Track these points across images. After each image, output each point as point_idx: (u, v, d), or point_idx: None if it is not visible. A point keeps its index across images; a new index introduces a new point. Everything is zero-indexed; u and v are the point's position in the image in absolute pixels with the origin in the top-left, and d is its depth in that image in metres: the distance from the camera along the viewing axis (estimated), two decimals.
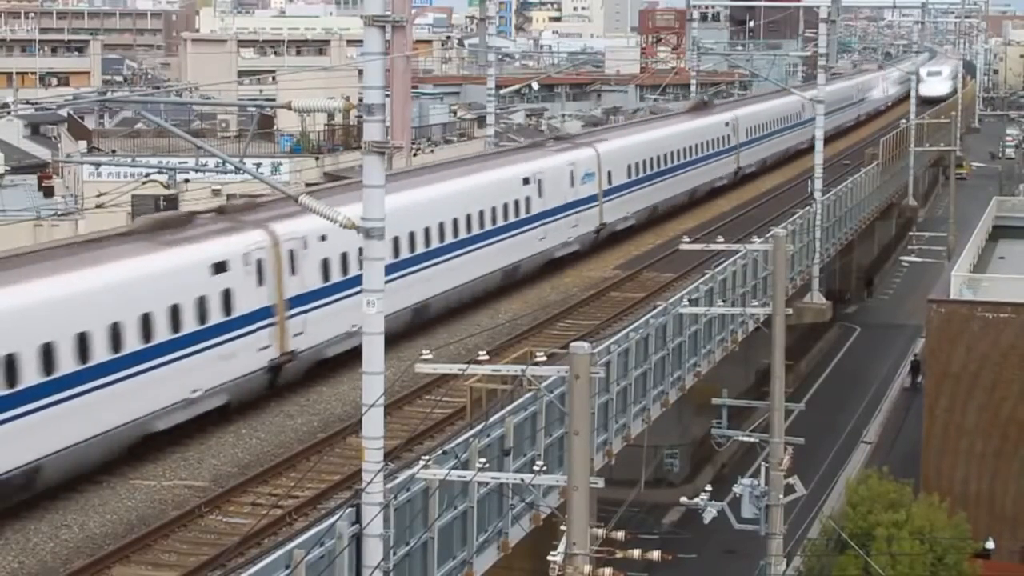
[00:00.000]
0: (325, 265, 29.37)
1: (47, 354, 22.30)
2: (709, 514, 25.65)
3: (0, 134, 78.14)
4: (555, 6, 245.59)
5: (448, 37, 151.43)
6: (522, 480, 19.56)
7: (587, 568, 16.36)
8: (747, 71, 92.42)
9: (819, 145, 49.94)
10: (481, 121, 66.26)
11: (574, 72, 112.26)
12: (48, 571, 20.18)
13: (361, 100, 23.84)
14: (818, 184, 48.76)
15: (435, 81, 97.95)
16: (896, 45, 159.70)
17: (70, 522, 21.90)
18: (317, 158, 58.09)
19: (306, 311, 28.72)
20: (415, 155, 56.82)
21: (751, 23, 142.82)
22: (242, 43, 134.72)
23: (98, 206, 42.46)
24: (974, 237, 51.09)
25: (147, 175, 44.13)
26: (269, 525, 21.37)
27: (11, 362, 21.57)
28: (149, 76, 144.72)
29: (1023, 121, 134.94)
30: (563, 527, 16.70)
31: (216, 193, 48.51)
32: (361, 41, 17.73)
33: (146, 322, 24.42)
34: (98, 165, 51.56)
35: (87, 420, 23.12)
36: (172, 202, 41.26)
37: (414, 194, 34.28)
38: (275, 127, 59.51)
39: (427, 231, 33.99)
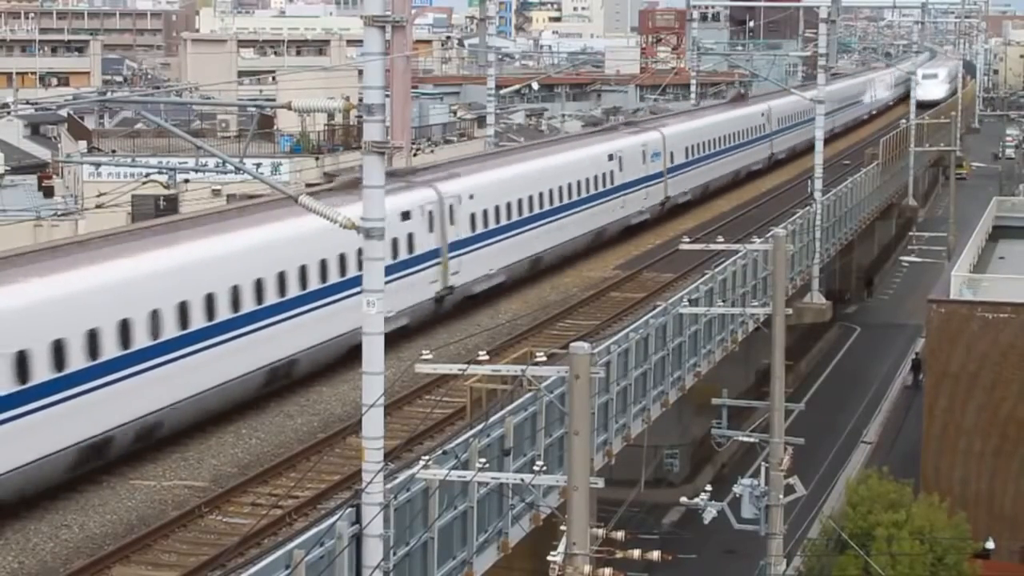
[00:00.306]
0: (472, 218, 36.18)
1: (303, 274, 28.71)
2: (709, 514, 25.64)
3: (0, 134, 78.07)
4: (555, 6, 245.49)
5: (448, 37, 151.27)
6: (522, 480, 19.56)
7: (587, 568, 16.35)
8: (747, 71, 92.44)
9: (819, 145, 49.88)
10: (481, 121, 66.23)
11: (574, 72, 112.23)
12: (48, 571, 20.17)
13: (361, 100, 23.88)
14: (818, 184, 48.74)
15: (435, 81, 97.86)
16: (896, 45, 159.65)
17: (70, 522, 21.89)
18: (317, 158, 58.06)
19: (460, 255, 35.37)
20: (415, 155, 56.79)
21: (751, 23, 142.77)
22: (242, 43, 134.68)
23: (98, 206, 42.44)
24: (974, 237, 51.10)
25: (147, 175, 44.09)
26: (269, 525, 21.37)
27: (282, 278, 27.93)
28: (149, 76, 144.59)
29: (1023, 121, 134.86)
30: (563, 527, 16.70)
31: (216, 193, 48.49)
32: (361, 41, 17.73)
33: (360, 254, 27.52)
34: (98, 165, 51.48)
35: (325, 327, 29.30)
36: (172, 202, 41.25)
37: (532, 164, 41.86)
38: (275, 127, 59.49)
39: (541, 196, 40.41)
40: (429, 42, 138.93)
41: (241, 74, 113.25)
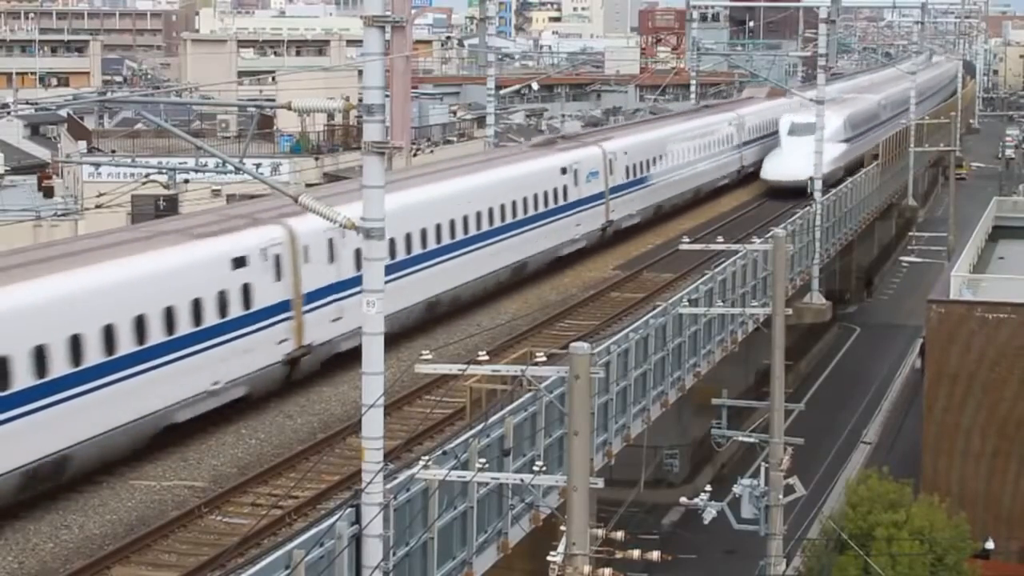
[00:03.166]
0: (626, 170, 46.93)
1: (535, 200, 39.70)
2: (709, 514, 25.65)
3: (0, 134, 78.03)
4: (555, 6, 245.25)
5: (448, 37, 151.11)
6: (522, 480, 19.57)
7: (587, 568, 16.35)
8: (747, 71, 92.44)
9: (819, 145, 49.80)
10: (481, 121, 66.19)
11: (574, 72, 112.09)
12: (48, 571, 20.18)
13: (361, 100, 23.89)
14: (818, 184, 48.72)
15: (435, 81, 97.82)
16: (896, 45, 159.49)
17: (70, 522, 21.89)
18: (317, 158, 58.05)
19: (616, 198, 45.88)
20: (415, 155, 56.77)
21: (751, 23, 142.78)
22: (242, 43, 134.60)
23: (98, 206, 42.43)
24: (974, 237, 51.08)
25: (147, 175, 44.01)
26: (269, 525, 21.37)
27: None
28: (149, 76, 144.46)
29: (1023, 121, 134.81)
30: (563, 527, 16.69)
31: (216, 193, 48.45)
32: (361, 41, 17.72)
33: (554, 193, 41.06)
34: (98, 165, 51.41)
35: (542, 242, 40.08)
36: (172, 202, 41.22)
37: (665, 130, 53.93)
38: (275, 127, 59.46)
39: (657, 158, 50.55)
40: (429, 42, 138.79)
41: (241, 74, 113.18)
